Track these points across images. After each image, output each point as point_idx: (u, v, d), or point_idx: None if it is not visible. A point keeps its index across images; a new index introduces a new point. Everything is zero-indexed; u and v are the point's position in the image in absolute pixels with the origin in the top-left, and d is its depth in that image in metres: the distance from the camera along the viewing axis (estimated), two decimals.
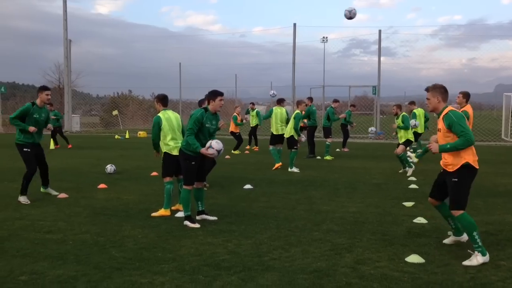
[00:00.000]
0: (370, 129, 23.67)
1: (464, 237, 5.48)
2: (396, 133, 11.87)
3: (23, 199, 7.90)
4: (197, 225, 6.34)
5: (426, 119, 14.46)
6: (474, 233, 4.86)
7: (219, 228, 6.29)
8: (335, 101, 16.95)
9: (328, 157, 14.86)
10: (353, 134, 24.38)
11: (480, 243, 4.87)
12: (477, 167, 5.00)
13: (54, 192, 8.55)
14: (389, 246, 5.47)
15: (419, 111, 13.76)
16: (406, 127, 11.38)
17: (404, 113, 11.65)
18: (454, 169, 4.97)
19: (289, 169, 11.93)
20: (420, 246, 5.44)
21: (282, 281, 4.33)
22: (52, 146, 18.29)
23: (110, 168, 11.39)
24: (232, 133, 17.34)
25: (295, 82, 27.16)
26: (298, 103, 13.00)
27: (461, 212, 4.92)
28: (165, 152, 7.08)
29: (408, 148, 12.26)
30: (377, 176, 11.14)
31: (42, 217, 6.89)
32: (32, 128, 7.87)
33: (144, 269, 4.65)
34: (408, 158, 11.72)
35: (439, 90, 5.13)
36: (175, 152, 6.92)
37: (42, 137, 8.32)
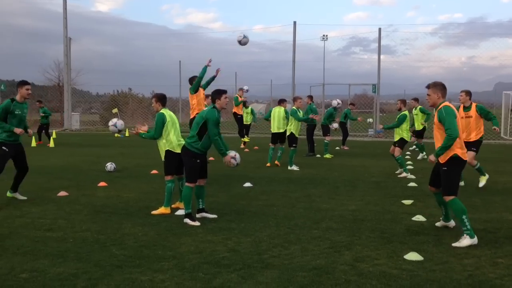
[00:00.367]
0: (368, 120, 23.85)
1: (452, 223, 6.14)
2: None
3: None
4: (197, 223, 6.37)
5: (427, 116, 14.58)
6: (464, 217, 5.37)
7: (219, 226, 6.31)
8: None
9: (327, 155, 14.90)
10: (352, 132, 24.41)
11: (468, 226, 5.38)
12: (465, 158, 5.58)
13: (21, 197, 8.04)
14: (388, 243, 5.50)
15: (417, 111, 14.48)
16: (396, 126, 11.08)
17: (404, 112, 11.26)
18: (445, 160, 5.56)
19: (289, 167, 11.95)
20: (419, 244, 5.47)
21: (281, 279, 4.35)
22: (34, 143, 18.25)
23: (110, 166, 11.40)
24: (235, 114, 17.44)
25: (295, 80, 27.17)
26: (295, 99, 13.17)
27: (452, 197, 5.47)
28: (167, 150, 7.04)
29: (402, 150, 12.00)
30: (377, 174, 11.17)
31: (42, 215, 6.91)
32: (18, 130, 7.54)
33: (144, 267, 4.68)
34: (404, 174, 11.25)
35: (439, 87, 5.73)
36: (178, 150, 6.93)
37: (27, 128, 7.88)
